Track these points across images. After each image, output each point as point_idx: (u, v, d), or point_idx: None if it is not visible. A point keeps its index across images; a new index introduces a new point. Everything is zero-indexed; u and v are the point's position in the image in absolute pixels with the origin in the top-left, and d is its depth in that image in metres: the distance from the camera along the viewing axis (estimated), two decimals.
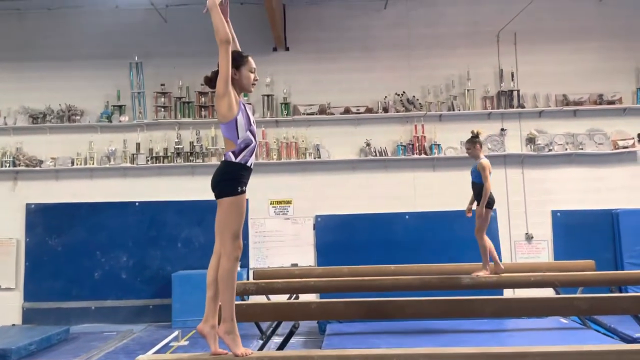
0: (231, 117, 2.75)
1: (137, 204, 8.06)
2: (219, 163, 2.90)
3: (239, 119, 2.76)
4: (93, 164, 8.12)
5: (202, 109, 8.26)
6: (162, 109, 8.26)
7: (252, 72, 2.93)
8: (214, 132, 8.14)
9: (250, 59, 2.94)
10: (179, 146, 8.13)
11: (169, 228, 7.98)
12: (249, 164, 2.79)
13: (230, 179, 2.73)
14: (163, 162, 8.13)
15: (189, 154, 8.12)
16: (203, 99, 8.26)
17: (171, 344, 6.15)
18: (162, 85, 8.25)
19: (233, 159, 2.75)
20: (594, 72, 8.14)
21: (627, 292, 6.96)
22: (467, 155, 8.04)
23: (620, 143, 8.01)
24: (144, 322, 7.59)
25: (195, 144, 8.13)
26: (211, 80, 2.90)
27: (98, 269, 7.89)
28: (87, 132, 8.23)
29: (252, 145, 2.80)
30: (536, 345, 2.92)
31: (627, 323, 5.47)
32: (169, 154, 8.17)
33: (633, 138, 8.05)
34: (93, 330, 7.20)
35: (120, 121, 8.24)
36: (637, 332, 5.38)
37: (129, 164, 8.13)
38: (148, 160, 8.14)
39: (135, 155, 8.15)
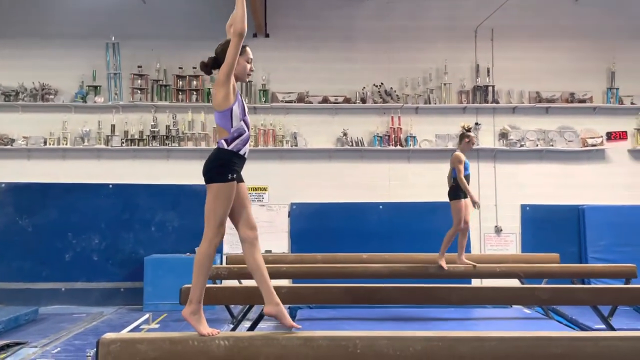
0: (227, 106, 2.76)
1: (110, 186, 7.99)
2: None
3: (235, 108, 2.77)
4: (66, 144, 8.00)
5: (180, 93, 8.20)
6: (139, 91, 8.18)
7: (248, 63, 2.95)
8: (191, 116, 8.10)
9: (248, 49, 2.95)
10: (155, 129, 8.07)
11: (142, 211, 7.93)
12: (241, 153, 2.80)
13: (221, 166, 2.74)
14: (138, 145, 8.07)
15: (165, 137, 8.07)
16: (181, 82, 8.20)
17: (141, 327, 6.17)
18: (139, 67, 8.16)
19: (225, 146, 2.76)
20: (567, 71, 8.32)
21: (589, 284, 7.21)
22: (441, 148, 8.26)
23: (589, 141, 8.24)
24: (115, 305, 7.56)
25: (171, 127, 8.08)
26: (207, 66, 2.92)
27: (69, 250, 7.81)
28: (60, 112, 8.09)
29: (246, 134, 2.81)
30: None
31: (588, 315, 5.68)
32: (144, 136, 8.10)
33: (601, 136, 8.29)
34: (62, 311, 7.16)
35: (95, 102, 8.13)
36: (596, 324, 5.59)
37: (103, 146, 8.04)
38: (123, 143, 8.06)
39: (109, 137, 8.06)
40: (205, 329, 2.65)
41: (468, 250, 7.80)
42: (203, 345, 2.53)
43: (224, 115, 2.76)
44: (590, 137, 8.25)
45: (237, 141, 2.76)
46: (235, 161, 2.77)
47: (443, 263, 5.38)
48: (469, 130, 5.73)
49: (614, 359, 2.66)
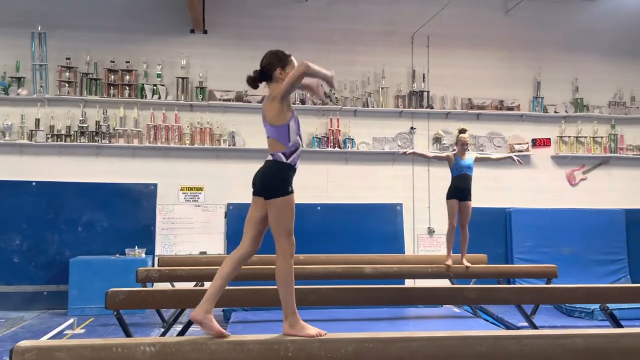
0: (283, 121, 2.77)
1: (33, 183, 7.53)
2: (265, 162, 2.80)
3: (291, 124, 2.78)
4: None
5: (111, 87, 7.86)
6: (67, 84, 7.76)
7: None
8: (123, 112, 7.78)
9: (293, 57, 2.93)
10: (84, 125, 7.69)
11: (69, 211, 7.53)
12: (297, 166, 2.82)
13: (282, 179, 2.74)
14: (65, 141, 7.65)
15: (94, 133, 7.71)
16: (112, 76, 7.86)
17: (65, 332, 5.86)
18: (68, 59, 7.75)
19: (284, 159, 2.76)
20: (497, 79, 8.71)
21: (514, 283, 7.56)
22: (378, 150, 8.41)
23: (516, 147, 8.66)
24: (37, 310, 7.14)
25: (101, 123, 7.73)
26: (254, 80, 2.89)
27: None
28: None
29: (300, 149, 2.85)
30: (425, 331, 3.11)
31: (512, 313, 5.96)
32: (72, 132, 7.70)
33: (527, 143, 8.73)
34: None
35: (18, 94, 7.64)
36: (520, 322, 5.87)
37: (26, 141, 7.57)
38: (48, 138, 7.62)
39: (34, 132, 7.60)
40: (312, 330, 2.66)
41: (402, 250, 8.03)
42: (128, 352, 2.41)
43: (281, 131, 2.77)
44: (517, 143, 8.67)
45: (294, 155, 2.79)
46: (291, 174, 2.79)
47: (449, 262, 5.58)
48: (460, 132, 5.92)
49: (536, 357, 2.78)
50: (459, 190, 5.68)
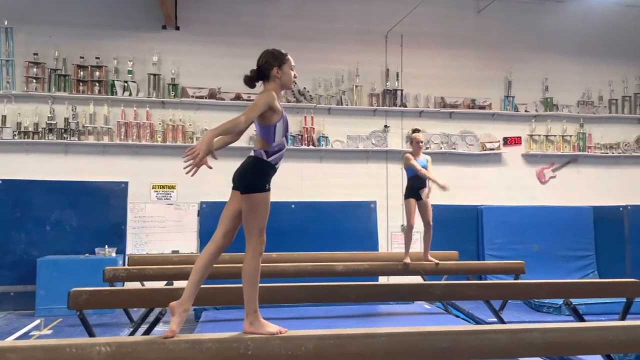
0: (270, 122, 2.77)
1: (0, 181, 7.35)
2: (247, 158, 2.80)
3: (278, 125, 2.78)
4: None
5: (81, 84, 7.72)
6: (34, 80, 7.60)
7: (292, 70, 2.94)
8: (93, 109, 7.65)
9: (289, 56, 2.94)
10: (52, 122, 7.54)
11: (36, 209, 7.37)
12: (277, 166, 2.83)
13: (260, 176, 2.74)
14: (33, 138, 7.50)
15: (62, 130, 7.56)
16: (82, 72, 7.72)
17: (32, 333, 5.74)
18: (35, 54, 7.58)
19: (265, 157, 2.76)
20: (469, 79, 8.80)
21: (486, 279, 7.66)
22: (352, 149, 8.44)
23: (488, 145, 8.77)
24: (4, 310, 6.99)
25: (70, 120, 7.58)
26: (252, 79, 2.88)
27: None
28: None
29: (284, 149, 2.84)
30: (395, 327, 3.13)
31: (484, 309, 6.03)
32: (39, 129, 7.54)
33: (499, 141, 8.85)
34: None
35: None
36: (490, 317, 5.95)
37: None
38: (15, 135, 7.46)
39: (0, 129, 7.42)
40: (272, 327, 2.65)
41: (375, 248, 8.07)
42: (82, 353, 2.37)
43: (267, 130, 2.78)
44: (489, 142, 8.78)
45: (276, 155, 2.79)
46: (271, 173, 2.80)
47: (407, 260, 5.60)
48: (413, 132, 5.91)
49: (493, 350, 2.83)
50: (416, 189, 5.72)
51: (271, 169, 2.81)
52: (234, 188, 2.85)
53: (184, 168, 2.65)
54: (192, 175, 2.69)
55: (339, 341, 2.65)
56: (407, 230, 5.76)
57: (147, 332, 3.92)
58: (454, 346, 2.79)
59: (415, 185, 5.74)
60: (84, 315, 3.73)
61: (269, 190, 2.78)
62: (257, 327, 2.69)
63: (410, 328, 2.84)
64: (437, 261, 5.66)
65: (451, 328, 2.97)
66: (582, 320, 4.46)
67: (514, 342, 2.88)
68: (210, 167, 2.66)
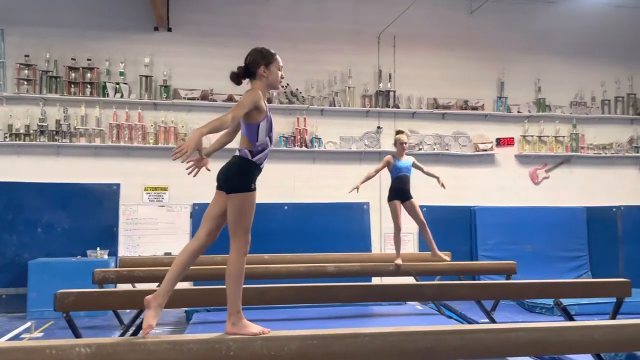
0: (254, 121, 2.77)
1: None
2: (232, 157, 2.79)
3: (262, 125, 2.78)
4: None
5: (72, 85, 7.70)
6: (26, 82, 7.58)
7: (279, 70, 2.94)
8: (84, 111, 7.63)
9: (278, 56, 2.94)
10: (44, 124, 7.52)
11: (28, 212, 7.34)
12: (262, 166, 2.83)
13: (245, 175, 2.73)
14: (24, 140, 7.47)
15: (54, 132, 7.54)
16: (73, 74, 7.70)
17: (22, 336, 5.72)
18: (27, 56, 7.56)
19: (249, 157, 2.76)
20: (462, 79, 8.80)
21: (479, 280, 7.66)
22: (345, 150, 8.43)
23: (481, 146, 8.77)
24: None
25: (62, 122, 7.56)
26: (238, 76, 2.87)
27: None
28: None
29: (268, 149, 2.84)
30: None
31: (476, 309, 6.01)
32: (31, 131, 7.52)
33: (492, 142, 8.85)
34: None
35: None
36: (481, 318, 5.94)
37: None
38: (6, 137, 7.43)
39: None
40: (254, 328, 2.64)
41: (369, 249, 8.05)
42: (62, 354, 2.35)
43: (250, 129, 2.78)
44: (482, 143, 8.79)
45: (260, 155, 2.79)
46: (256, 173, 2.80)
47: (398, 262, 5.56)
48: (397, 133, 5.90)
49: (478, 350, 2.82)
50: (399, 191, 5.70)
51: (256, 168, 2.80)
52: (218, 188, 2.83)
53: (186, 169, 2.75)
54: (194, 176, 2.79)
55: (322, 341, 2.64)
56: (396, 233, 5.72)
57: (136, 334, 3.89)
58: (437, 346, 2.77)
59: (399, 187, 5.73)
60: (71, 317, 3.71)
61: (254, 190, 2.77)
62: (240, 328, 2.67)
63: (394, 328, 2.83)
64: (447, 258, 5.65)
65: (435, 328, 2.96)
66: (572, 320, 4.45)
67: (499, 342, 2.87)
68: (209, 170, 2.76)
